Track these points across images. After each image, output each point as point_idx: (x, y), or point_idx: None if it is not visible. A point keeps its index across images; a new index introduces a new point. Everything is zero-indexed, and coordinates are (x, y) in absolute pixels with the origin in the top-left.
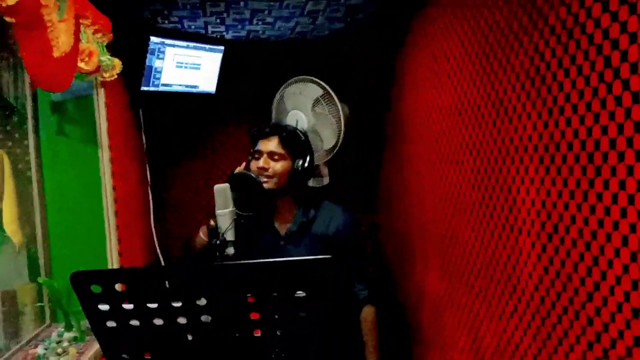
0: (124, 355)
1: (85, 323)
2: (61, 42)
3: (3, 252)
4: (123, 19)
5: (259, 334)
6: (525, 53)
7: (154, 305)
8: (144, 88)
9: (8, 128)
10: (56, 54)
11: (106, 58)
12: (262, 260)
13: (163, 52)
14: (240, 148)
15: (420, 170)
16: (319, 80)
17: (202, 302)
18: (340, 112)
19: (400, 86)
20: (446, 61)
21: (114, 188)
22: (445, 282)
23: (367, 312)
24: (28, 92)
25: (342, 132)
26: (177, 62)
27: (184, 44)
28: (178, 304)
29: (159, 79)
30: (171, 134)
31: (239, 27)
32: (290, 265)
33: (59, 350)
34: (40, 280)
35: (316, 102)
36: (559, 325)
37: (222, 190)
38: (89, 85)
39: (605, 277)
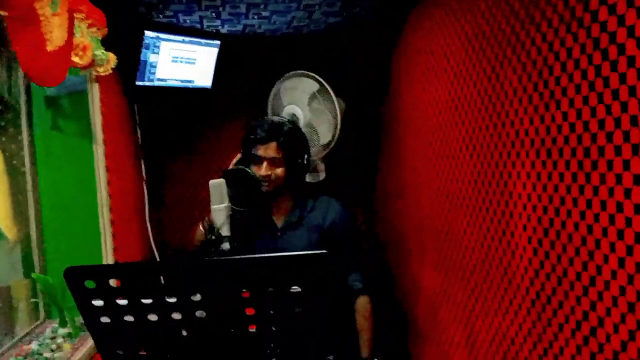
0: (118, 351)
1: (79, 319)
2: (55, 36)
3: None
4: (118, 13)
5: (254, 330)
6: (522, 47)
7: (148, 301)
8: (139, 83)
9: (2, 123)
10: (50, 48)
11: (100, 52)
12: (257, 255)
13: (158, 47)
14: (236, 143)
15: (416, 165)
16: (315, 75)
17: (197, 297)
18: (337, 107)
19: (397, 81)
20: (443, 55)
21: (109, 183)
22: (441, 277)
23: (362, 303)
24: (22, 86)
25: (338, 127)
26: (173, 57)
27: (180, 38)
28: (173, 300)
29: (154, 73)
30: (166, 129)
31: (235, 21)
32: (286, 260)
33: (53, 346)
34: (34, 276)
35: (312, 97)
36: (554, 320)
37: (217, 185)
38: (83, 80)
39: (601, 271)
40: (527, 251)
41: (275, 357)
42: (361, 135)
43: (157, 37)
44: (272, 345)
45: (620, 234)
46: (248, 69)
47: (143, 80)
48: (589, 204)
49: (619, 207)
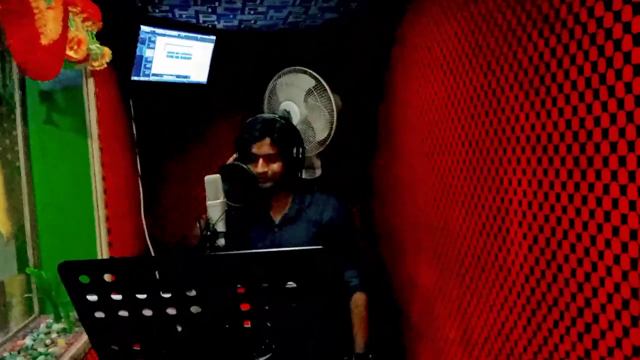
0: (113, 346)
1: (74, 314)
2: (49, 29)
3: None
4: (113, 7)
5: (249, 325)
6: (518, 43)
7: (143, 296)
8: (134, 78)
9: None
10: (44, 41)
11: (95, 47)
12: (252, 251)
13: (154, 42)
14: (231, 139)
15: (412, 161)
16: (311, 71)
17: (192, 293)
18: (333, 104)
19: (393, 77)
20: (439, 52)
21: (104, 178)
22: (436, 273)
23: (358, 299)
24: (16, 81)
25: (334, 123)
26: (168, 52)
27: (175, 33)
28: (167, 295)
29: (149, 68)
30: (162, 124)
31: (231, 16)
32: (281, 255)
33: (48, 341)
34: (28, 271)
35: (309, 93)
36: (549, 317)
37: (212, 181)
38: (78, 74)
39: (596, 268)
40: (522, 247)
41: (270, 352)
42: (357, 132)
43: (153, 32)
44: (267, 341)
45: (616, 231)
46: (244, 64)
47: (138, 75)
48: (584, 200)
49: (615, 204)
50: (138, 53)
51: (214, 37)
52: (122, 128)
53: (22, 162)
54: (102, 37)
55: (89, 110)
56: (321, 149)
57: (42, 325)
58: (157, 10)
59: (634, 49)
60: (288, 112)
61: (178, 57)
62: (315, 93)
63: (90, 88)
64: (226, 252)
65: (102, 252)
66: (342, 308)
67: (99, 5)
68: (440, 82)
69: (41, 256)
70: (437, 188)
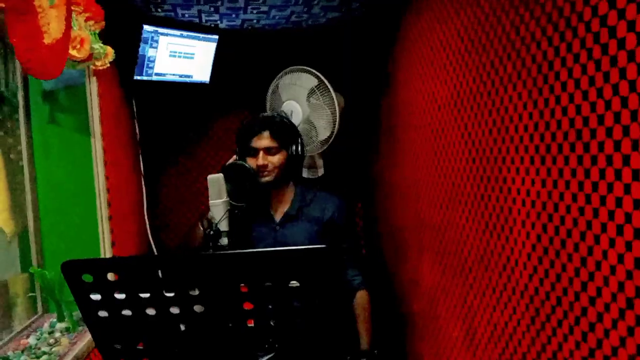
0: (116, 345)
1: (77, 313)
2: (52, 28)
3: None
4: (116, 6)
5: (252, 324)
6: (521, 42)
7: (146, 295)
8: (137, 77)
9: None
10: (47, 40)
11: (98, 46)
12: (255, 250)
13: (156, 41)
14: (234, 138)
15: (415, 160)
16: (314, 70)
17: (195, 292)
18: (335, 103)
19: (396, 76)
20: (442, 50)
21: (107, 178)
22: (439, 272)
23: (361, 298)
24: (19, 80)
25: (337, 122)
26: (171, 52)
27: (178, 32)
28: (171, 294)
29: (152, 68)
30: (165, 123)
31: (233, 15)
32: (285, 254)
33: (51, 340)
34: (32, 270)
35: (311, 92)
36: (553, 316)
37: (215, 180)
38: (81, 74)
39: (599, 267)
40: (526, 246)
41: (273, 351)
42: (360, 131)
43: (156, 31)
44: (270, 339)
45: (620, 230)
46: (246, 63)
47: (141, 75)
48: (588, 199)
49: (618, 203)
50: (141, 52)
51: (216, 37)
52: (124, 127)
53: (25, 161)
54: (104, 37)
55: (92, 110)
56: (324, 148)
57: (46, 325)
58: (159, 10)
59: (638, 48)
60: (290, 113)
61: (181, 57)
62: (318, 92)
63: (93, 87)
64: (229, 251)
65: (105, 251)
66: (345, 307)
67: (102, 5)
68: (443, 81)
69: (44, 255)
70: (440, 187)
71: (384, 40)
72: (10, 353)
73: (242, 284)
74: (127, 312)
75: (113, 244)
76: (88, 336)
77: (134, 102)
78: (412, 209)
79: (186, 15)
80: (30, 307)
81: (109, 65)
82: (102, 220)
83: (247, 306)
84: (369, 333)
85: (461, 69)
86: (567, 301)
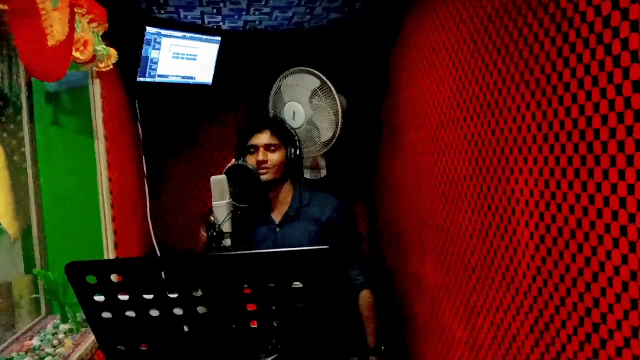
0: (120, 347)
1: (81, 315)
2: (56, 30)
3: None
4: (119, 8)
5: (255, 325)
6: (524, 42)
7: (150, 297)
8: (140, 79)
9: (3, 119)
10: (51, 42)
11: (102, 48)
12: (258, 251)
13: (159, 43)
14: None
15: (417, 161)
16: (316, 72)
17: (199, 293)
18: (338, 104)
19: (399, 77)
20: (445, 51)
21: (110, 179)
22: (442, 272)
23: (365, 297)
24: (23, 82)
25: (339, 124)
26: (174, 53)
27: (181, 34)
28: (174, 296)
29: (155, 70)
30: (168, 125)
31: (236, 17)
32: (288, 256)
33: (55, 342)
34: (35, 271)
35: (314, 93)
36: (556, 317)
37: (219, 181)
38: (84, 76)
39: (603, 268)
40: (529, 247)
41: (277, 353)
42: (362, 132)
43: (159, 33)
44: (273, 341)
45: (624, 230)
46: (249, 65)
47: (144, 77)
48: (591, 199)
49: (622, 203)
50: (144, 54)
51: (219, 38)
52: (128, 129)
53: (28, 163)
54: (108, 39)
55: (95, 112)
56: (326, 149)
57: (50, 326)
58: (162, 12)
59: None
60: (293, 114)
61: (183, 58)
62: (321, 93)
63: (96, 89)
64: (232, 253)
65: (109, 253)
66: (348, 307)
67: (105, 7)
68: (445, 82)
69: (48, 257)
70: (443, 188)
71: (386, 41)
72: (14, 354)
73: (246, 286)
74: (130, 314)
75: (116, 246)
76: (92, 337)
77: (137, 103)
78: (415, 209)
79: (189, 17)
80: (34, 309)
81: (112, 67)
82: (105, 222)
83: (251, 307)
84: (375, 332)
85: (463, 69)
86: (571, 302)
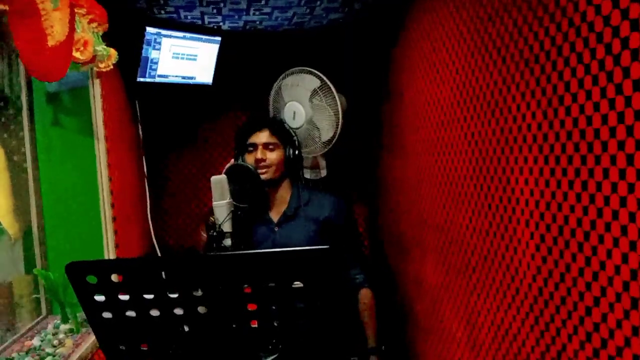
0: (120, 347)
1: (81, 315)
2: (56, 31)
3: None
4: (119, 8)
5: (255, 325)
6: (524, 42)
7: (150, 296)
8: (140, 79)
9: (3, 119)
10: (51, 42)
11: (102, 48)
12: (259, 251)
13: (159, 43)
14: None
15: (418, 161)
16: (316, 72)
17: (199, 293)
18: (338, 104)
19: (399, 77)
20: (445, 51)
21: (110, 179)
22: (443, 272)
23: (365, 296)
24: (23, 82)
25: (340, 123)
26: (174, 53)
27: (181, 34)
28: (174, 295)
29: (155, 70)
30: (168, 125)
31: (236, 17)
32: (288, 255)
33: (55, 342)
34: (36, 271)
35: (314, 93)
36: (557, 316)
37: (219, 181)
38: (84, 76)
39: (604, 267)
40: (530, 247)
41: (277, 352)
42: (363, 132)
43: (158, 33)
44: (273, 340)
45: (624, 230)
46: (249, 65)
47: (144, 77)
48: (592, 198)
49: (622, 202)
50: (144, 54)
51: (219, 38)
52: (128, 129)
53: (29, 164)
54: (108, 39)
55: (95, 112)
56: (327, 149)
57: (50, 326)
58: (162, 12)
59: None
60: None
61: (183, 58)
62: (321, 93)
63: (96, 89)
64: (233, 252)
65: (109, 253)
66: (348, 306)
67: (105, 7)
68: (445, 82)
69: (48, 257)
70: (443, 187)
71: (386, 41)
72: (14, 354)
73: (246, 285)
74: (131, 314)
75: (117, 246)
76: (92, 337)
77: (137, 103)
78: (416, 209)
79: (189, 17)
80: (34, 309)
81: (112, 67)
82: (105, 222)
83: (251, 307)
84: (375, 331)
85: (464, 69)
86: (571, 301)
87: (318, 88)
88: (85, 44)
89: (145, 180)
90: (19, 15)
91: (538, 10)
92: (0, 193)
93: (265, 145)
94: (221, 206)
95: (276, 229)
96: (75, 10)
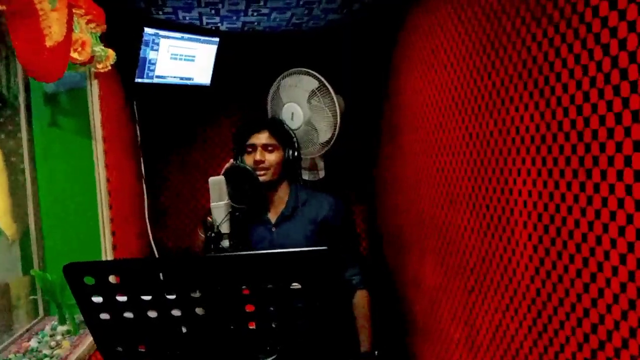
0: (118, 348)
1: (79, 316)
2: (53, 31)
3: None
4: (117, 9)
5: (253, 327)
6: (522, 44)
7: (148, 298)
8: (138, 80)
9: (0, 120)
10: (49, 43)
11: (99, 49)
12: (256, 252)
13: (157, 44)
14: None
15: (416, 162)
16: (314, 72)
17: (197, 294)
18: (336, 105)
19: (397, 78)
20: (443, 52)
21: (108, 180)
22: (441, 274)
23: (361, 297)
24: (21, 83)
25: (338, 124)
26: (172, 54)
27: (179, 35)
28: (172, 296)
29: (153, 70)
30: (166, 126)
31: (234, 18)
32: (286, 256)
33: (53, 343)
34: (33, 272)
35: (312, 94)
36: (555, 318)
37: (217, 182)
38: (82, 76)
39: (601, 268)
40: (528, 248)
41: (275, 354)
42: (361, 133)
43: (157, 34)
44: (271, 342)
45: (622, 231)
46: (247, 66)
47: (142, 78)
48: (589, 200)
49: (620, 204)
50: (142, 55)
51: (217, 39)
52: (126, 130)
53: (26, 164)
54: (106, 39)
55: (93, 112)
56: (325, 150)
57: (47, 327)
58: (160, 13)
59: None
60: (291, 115)
61: (182, 59)
62: (319, 94)
63: (94, 90)
64: (231, 254)
65: (107, 254)
66: (345, 307)
67: (103, 7)
68: (444, 83)
69: (46, 258)
70: (441, 188)
71: (384, 42)
72: (11, 356)
73: (244, 287)
74: (128, 315)
75: (114, 247)
76: (89, 339)
77: (135, 104)
78: (414, 209)
79: (187, 18)
80: (31, 310)
81: (110, 67)
82: (103, 223)
83: (249, 308)
84: (370, 334)
85: (462, 70)
86: (569, 302)
87: (316, 89)
88: (83, 44)
89: (143, 181)
90: (17, 16)
91: (536, 11)
92: None
93: (265, 147)
94: (219, 207)
95: (274, 229)
96: (74, 11)
